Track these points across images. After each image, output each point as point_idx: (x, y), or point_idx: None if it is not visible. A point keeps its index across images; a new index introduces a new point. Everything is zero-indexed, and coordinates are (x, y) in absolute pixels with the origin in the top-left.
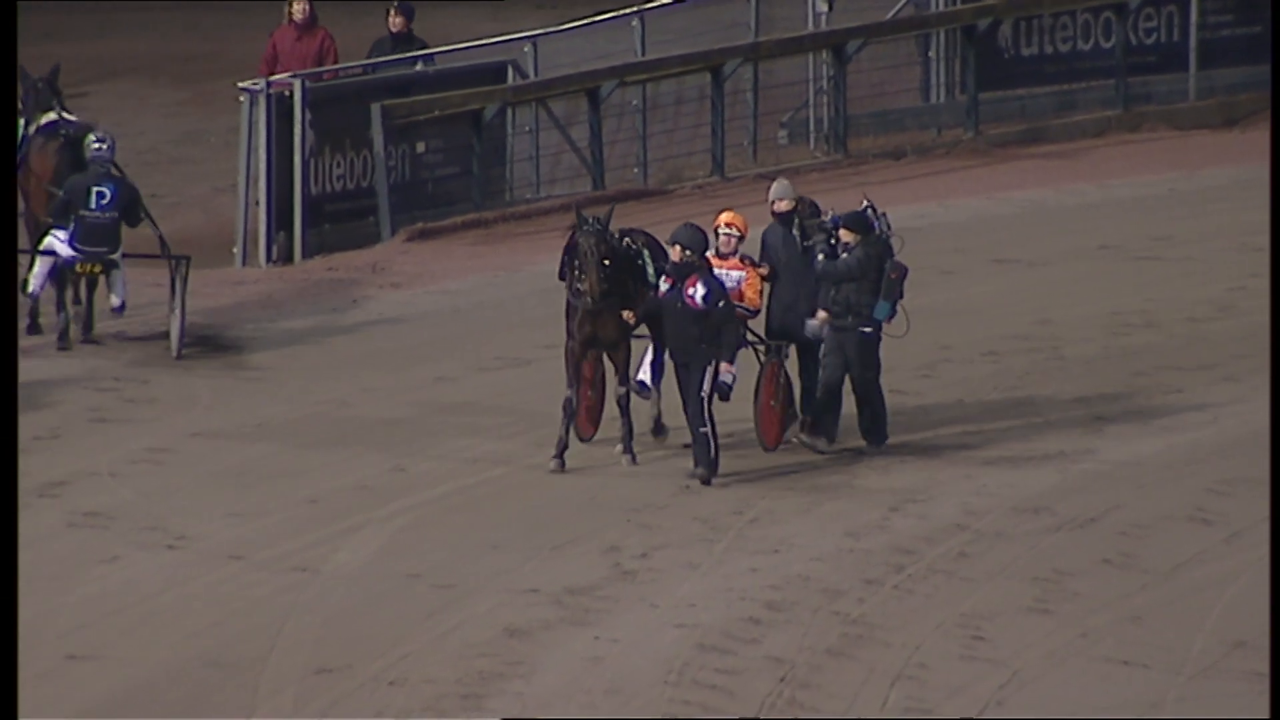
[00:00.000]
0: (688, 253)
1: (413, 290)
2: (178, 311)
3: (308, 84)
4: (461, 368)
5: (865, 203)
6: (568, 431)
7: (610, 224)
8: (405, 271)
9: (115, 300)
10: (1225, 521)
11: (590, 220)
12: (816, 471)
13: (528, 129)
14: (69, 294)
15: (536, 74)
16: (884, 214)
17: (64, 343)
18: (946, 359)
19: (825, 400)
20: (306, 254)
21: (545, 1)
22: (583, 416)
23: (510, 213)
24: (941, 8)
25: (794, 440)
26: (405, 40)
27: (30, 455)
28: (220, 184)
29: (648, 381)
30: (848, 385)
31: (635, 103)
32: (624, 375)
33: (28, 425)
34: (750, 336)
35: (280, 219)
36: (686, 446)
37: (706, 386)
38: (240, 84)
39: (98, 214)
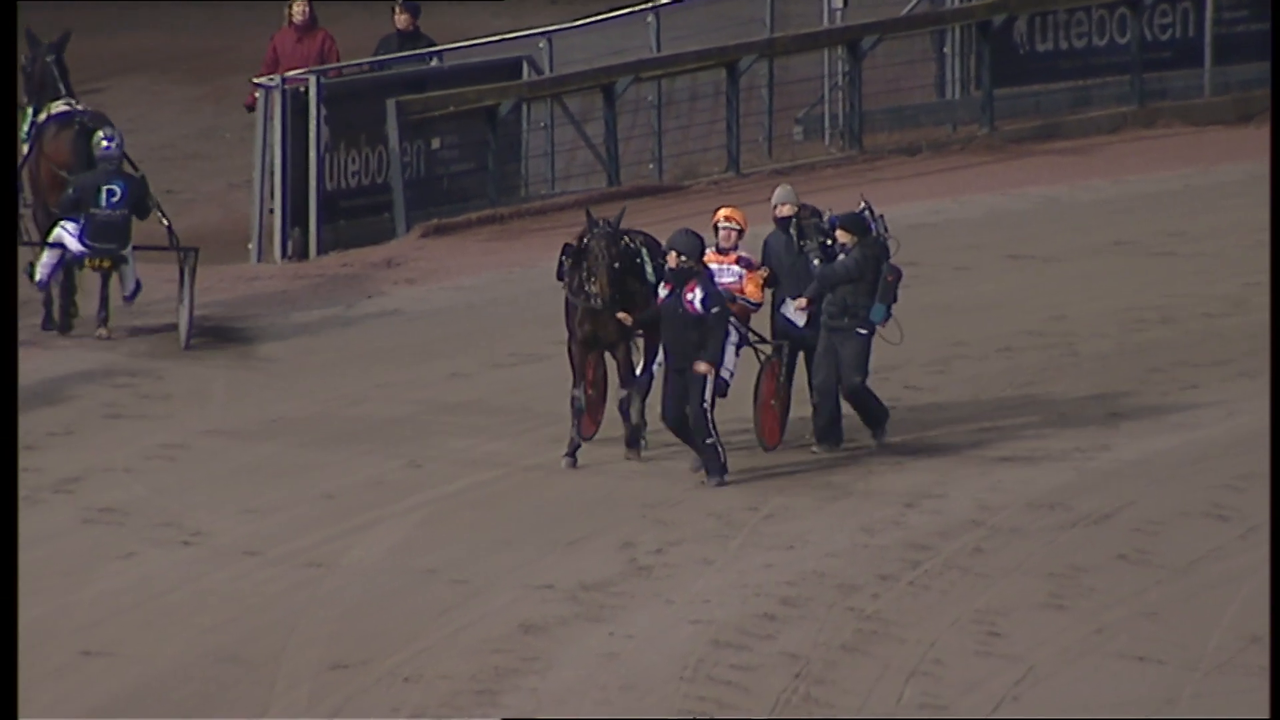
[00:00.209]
0: (683, 259)
1: (427, 286)
2: (186, 303)
3: (323, 80)
4: (476, 364)
5: (862, 204)
6: (578, 429)
7: (620, 225)
8: (420, 267)
9: (126, 291)
10: (1241, 517)
11: (601, 222)
12: (831, 468)
13: (543, 125)
14: (74, 286)
15: (552, 70)
16: (881, 215)
17: (65, 328)
18: (960, 355)
19: (824, 405)
20: (321, 250)
21: None
22: (584, 415)
23: (525, 209)
24: (957, 4)
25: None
26: (412, 38)
27: (45, 451)
28: (236, 180)
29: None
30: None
31: (650, 99)
32: (625, 377)
33: (42, 421)
34: (751, 336)
35: (295, 215)
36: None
37: (708, 396)
38: (255, 80)
39: (108, 212)
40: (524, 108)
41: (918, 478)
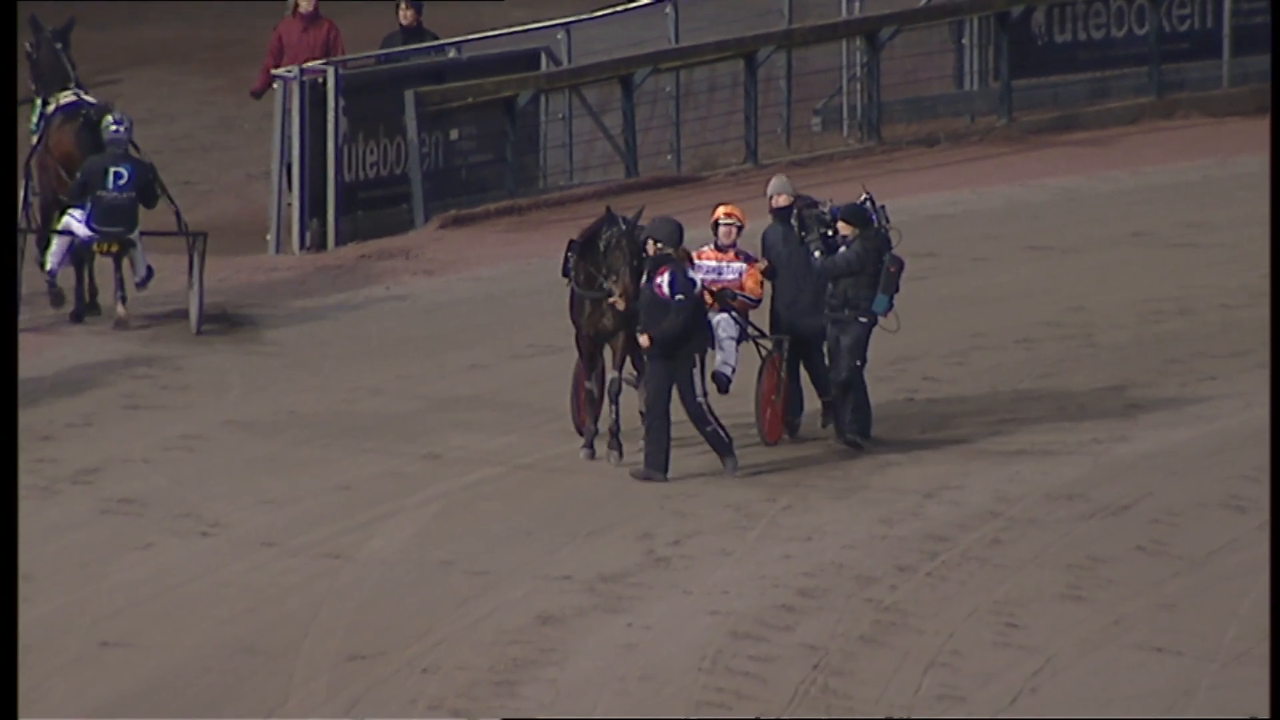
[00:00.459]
0: (659, 245)
1: (446, 277)
2: (196, 289)
3: (341, 71)
4: (495, 355)
5: (864, 195)
6: (595, 420)
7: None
8: (438, 258)
9: (137, 276)
10: (1259, 508)
11: (621, 220)
12: (849, 459)
13: (561, 116)
14: (86, 273)
15: (570, 61)
16: (882, 207)
17: (79, 319)
18: (979, 346)
19: (847, 396)
20: (340, 241)
21: None
22: (583, 410)
23: (543, 200)
24: None
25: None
26: (416, 33)
27: (64, 442)
28: (254, 171)
29: (728, 374)
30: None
31: (669, 89)
32: (619, 364)
33: (61, 412)
34: (751, 331)
35: (314, 206)
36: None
37: (699, 388)
38: (273, 70)
39: (115, 194)
40: (542, 99)
41: (936, 469)
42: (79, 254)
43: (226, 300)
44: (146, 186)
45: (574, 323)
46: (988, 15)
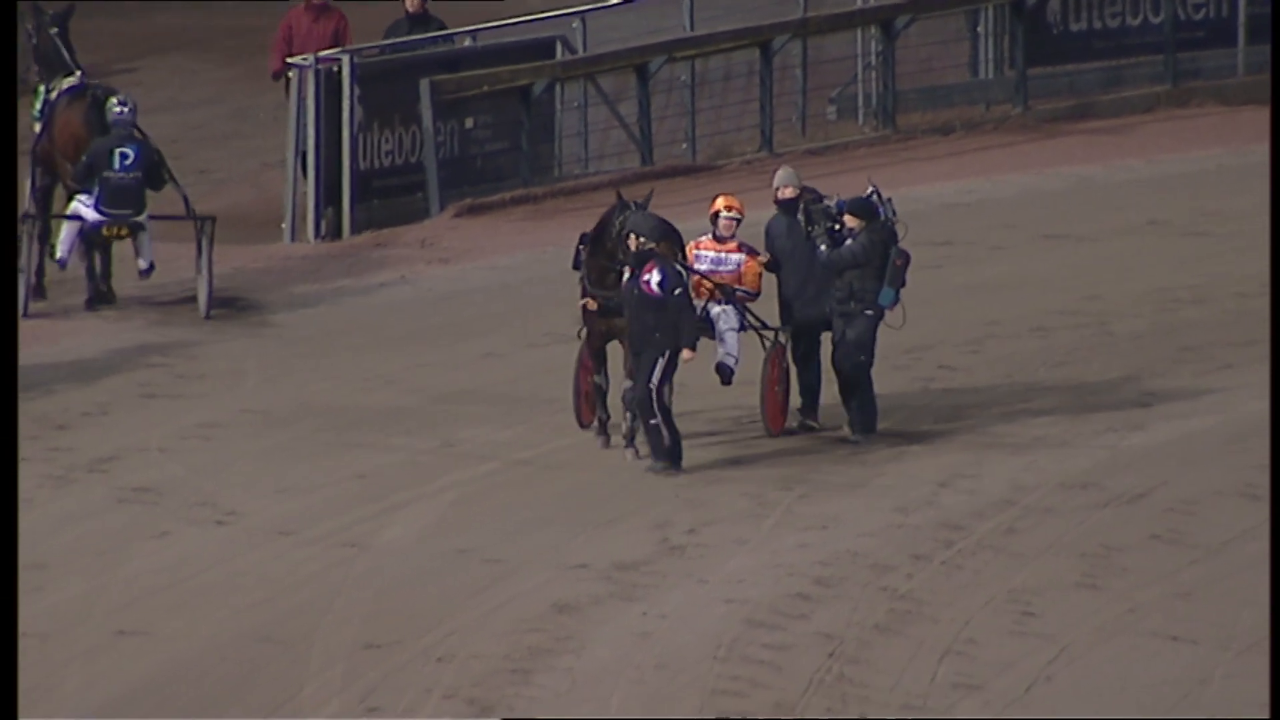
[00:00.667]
0: (642, 240)
1: (461, 266)
2: (205, 273)
3: (356, 60)
4: (510, 344)
5: (870, 188)
6: (605, 408)
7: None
8: (454, 247)
9: (143, 263)
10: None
11: (632, 204)
12: (865, 448)
13: (576, 104)
14: (98, 259)
15: (585, 49)
16: (889, 200)
17: (93, 306)
18: (994, 334)
19: (852, 392)
20: (355, 229)
21: None
22: (583, 403)
23: (559, 188)
24: None
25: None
26: (422, 21)
27: (80, 431)
28: (270, 159)
29: (732, 365)
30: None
31: (684, 78)
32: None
33: (77, 400)
34: (754, 322)
35: (329, 194)
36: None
37: (656, 378)
38: (288, 59)
39: (121, 175)
40: (558, 87)
41: (951, 458)
42: (90, 239)
43: (242, 289)
44: (152, 168)
45: (584, 319)
46: (1003, 4)
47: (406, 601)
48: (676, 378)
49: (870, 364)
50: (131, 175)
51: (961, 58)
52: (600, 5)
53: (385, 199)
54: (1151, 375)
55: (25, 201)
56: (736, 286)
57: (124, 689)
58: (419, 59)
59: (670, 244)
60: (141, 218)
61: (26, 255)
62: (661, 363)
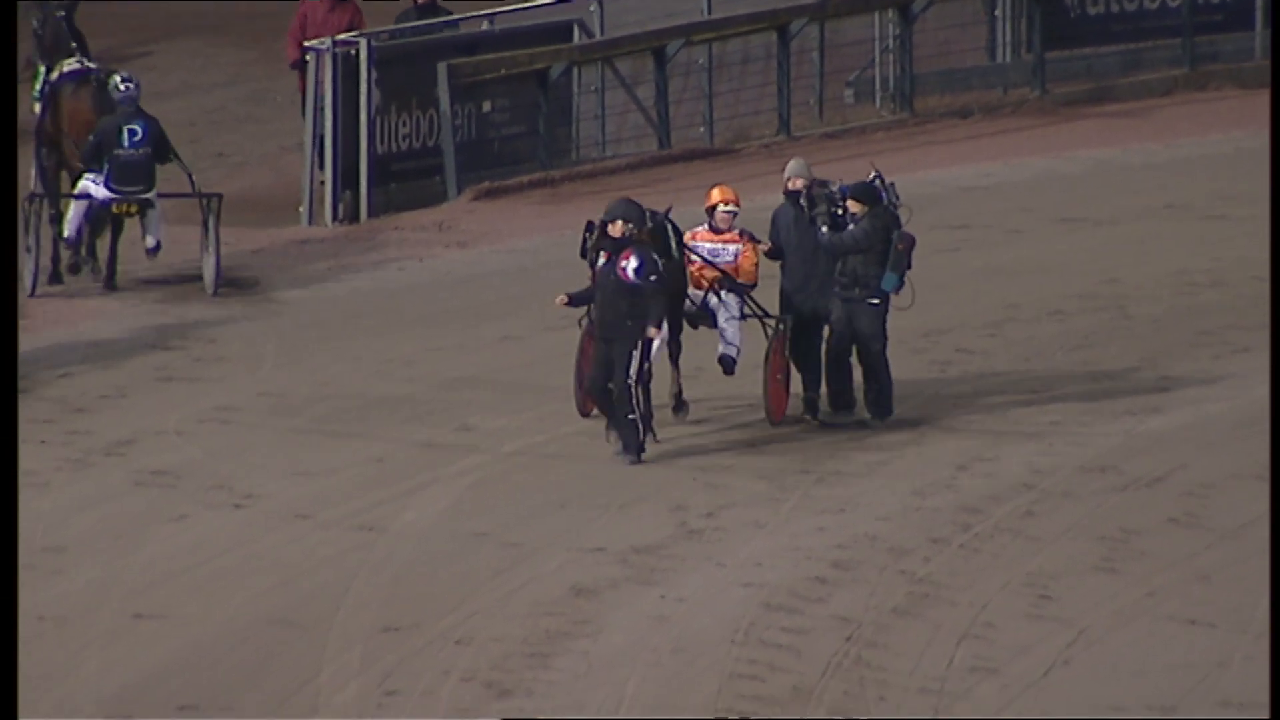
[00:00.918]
0: (629, 226)
1: (479, 249)
2: (212, 250)
3: (374, 43)
4: (528, 327)
5: (873, 173)
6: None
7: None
8: (471, 230)
9: (150, 241)
10: None
11: (649, 214)
12: (882, 431)
13: (594, 88)
14: (105, 236)
15: (603, 33)
16: (892, 184)
17: (111, 284)
18: (1012, 318)
19: (835, 372)
20: (372, 213)
21: None
22: (585, 394)
23: (576, 172)
24: None
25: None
26: (430, 9)
27: (97, 414)
28: (287, 143)
29: (734, 355)
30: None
31: (701, 62)
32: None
33: (94, 383)
34: (754, 309)
35: (346, 178)
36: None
37: (633, 371)
38: (305, 43)
39: (131, 151)
40: (575, 71)
41: (969, 441)
42: (99, 218)
43: (259, 271)
44: (160, 141)
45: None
46: None
47: (424, 585)
48: (688, 364)
49: (884, 348)
50: (140, 151)
51: (979, 41)
52: None
53: (403, 182)
54: (1169, 359)
55: (32, 182)
56: (734, 278)
57: (141, 673)
58: (436, 42)
59: (650, 231)
60: (151, 194)
61: (35, 235)
62: (636, 355)
